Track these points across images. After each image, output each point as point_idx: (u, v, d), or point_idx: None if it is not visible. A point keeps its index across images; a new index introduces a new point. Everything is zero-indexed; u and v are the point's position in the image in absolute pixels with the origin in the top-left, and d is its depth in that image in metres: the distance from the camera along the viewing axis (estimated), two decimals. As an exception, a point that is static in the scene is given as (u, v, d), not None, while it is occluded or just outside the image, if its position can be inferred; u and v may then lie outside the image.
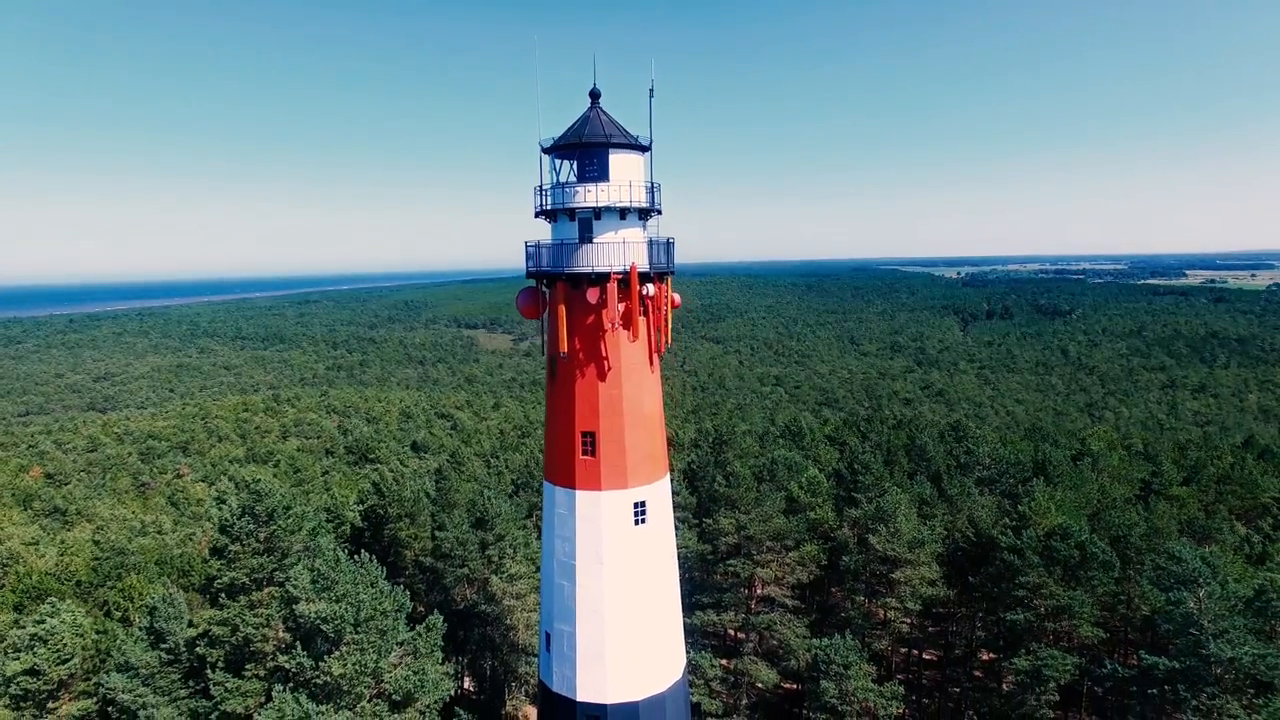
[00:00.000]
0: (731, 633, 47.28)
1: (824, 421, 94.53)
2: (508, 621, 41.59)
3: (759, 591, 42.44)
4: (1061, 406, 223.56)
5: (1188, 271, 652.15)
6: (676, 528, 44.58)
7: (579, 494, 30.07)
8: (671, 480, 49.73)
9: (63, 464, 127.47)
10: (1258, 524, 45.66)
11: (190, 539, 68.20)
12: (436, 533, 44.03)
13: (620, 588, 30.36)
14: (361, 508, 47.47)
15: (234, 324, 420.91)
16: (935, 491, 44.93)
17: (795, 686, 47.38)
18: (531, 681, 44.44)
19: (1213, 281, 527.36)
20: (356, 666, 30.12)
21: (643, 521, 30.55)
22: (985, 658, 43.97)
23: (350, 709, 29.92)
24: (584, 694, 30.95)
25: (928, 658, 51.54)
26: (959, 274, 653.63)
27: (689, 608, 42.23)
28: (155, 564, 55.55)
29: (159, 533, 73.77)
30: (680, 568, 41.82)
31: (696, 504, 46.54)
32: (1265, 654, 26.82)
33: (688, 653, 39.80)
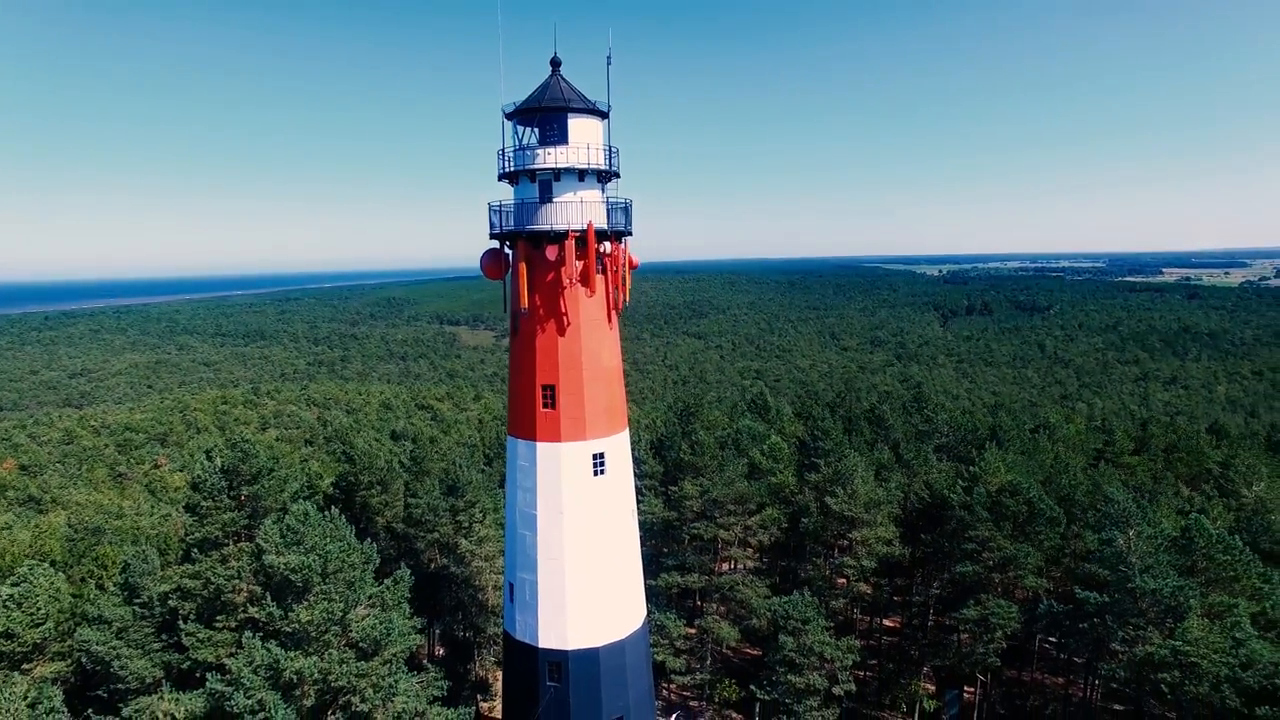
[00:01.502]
0: (697, 602, 48.54)
1: (794, 399, 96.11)
2: (476, 583, 42.64)
3: (722, 553, 43.74)
4: (1036, 399, 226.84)
5: (1164, 269, 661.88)
6: (643, 495, 45.91)
7: (539, 445, 31.20)
8: (639, 450, 51.03)
9: (37, 455, 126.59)
10: (1201, 487, 47.51)
11: (166, 519, 68.51)
12: (409, 500, 44.99)
13: (580, 537, 31.49)
14: (334, 476, 48.44)
15: (214, 321, 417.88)
16: (894, 457, 46.43)
17: (758, 652, 48.74)
18: (500, 645, 45.47)
19: (1188, 279, 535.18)
20: (324, 614, 31.09)
21: (602, 473, 31.70)
22: (936, 620, 45.53)
23: (318, 656, 30.90)
24: (546, 641, 32.10)
25: (889, 624, 53.05)
26: (940, 271, 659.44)
27: (654, 571, 43.46)
28: (131, 542, 56.05)
29: (136, 515, 73.96)
30: (646, 533, 43.07)
31: (663, 472, 47.79)
32: (1183, 585, 28.39)
33: (651, 611, 41.10)
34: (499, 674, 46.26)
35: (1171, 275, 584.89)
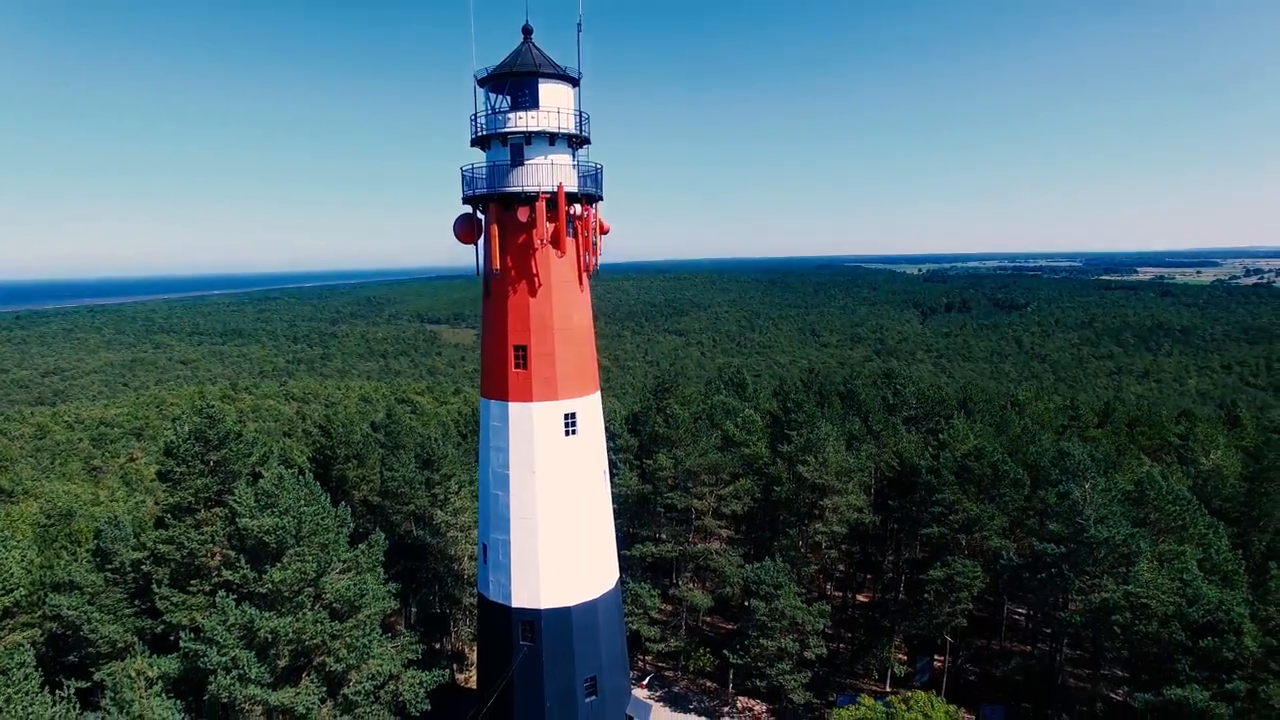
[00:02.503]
0: (673, 579, 49.04)
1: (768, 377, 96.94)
2: (452, 553, 42.91)
3: (695, 523, 44.30)
4: (1013, 392, 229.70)
5: (1138, 268, 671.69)
6: (617, 468, 46.39)
7: (511, 405, 31.62)
8: (614, 424, 51.51)
9: (8, 450, 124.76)
10: (1163, 458, 48.73)
11: (141, 505, 68.12)
12: (385, 473, 45.16)
13: (552, 496, 31.93)
14: (310, 450, 48.50)
15: (190, 319, 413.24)
16: (864, 428, 47.21)
17: (732, 626, 49.36)
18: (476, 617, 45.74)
19: (1161, 278, 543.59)
20: (297, 574, 31.30)
21: (573, 433, 32.16)
22: (907, 591, 46.32)
23: (292, 616, 31.09)
24: (519, 600, 32.52)
25: (862, 599, 53.89)
26: (920, 271, 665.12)
27: (628, 542, 43.98)
28: (106, 522, 55.72)
29: (110, 501, 73.44)
30: (620, 506, 43.55)
31: (638, 446, 48.28)
32: (1134, 533, 29.32)
33: (625, 580, 41.56)
34: (475, 647, 46.57)
35: (1146, 274, 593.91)
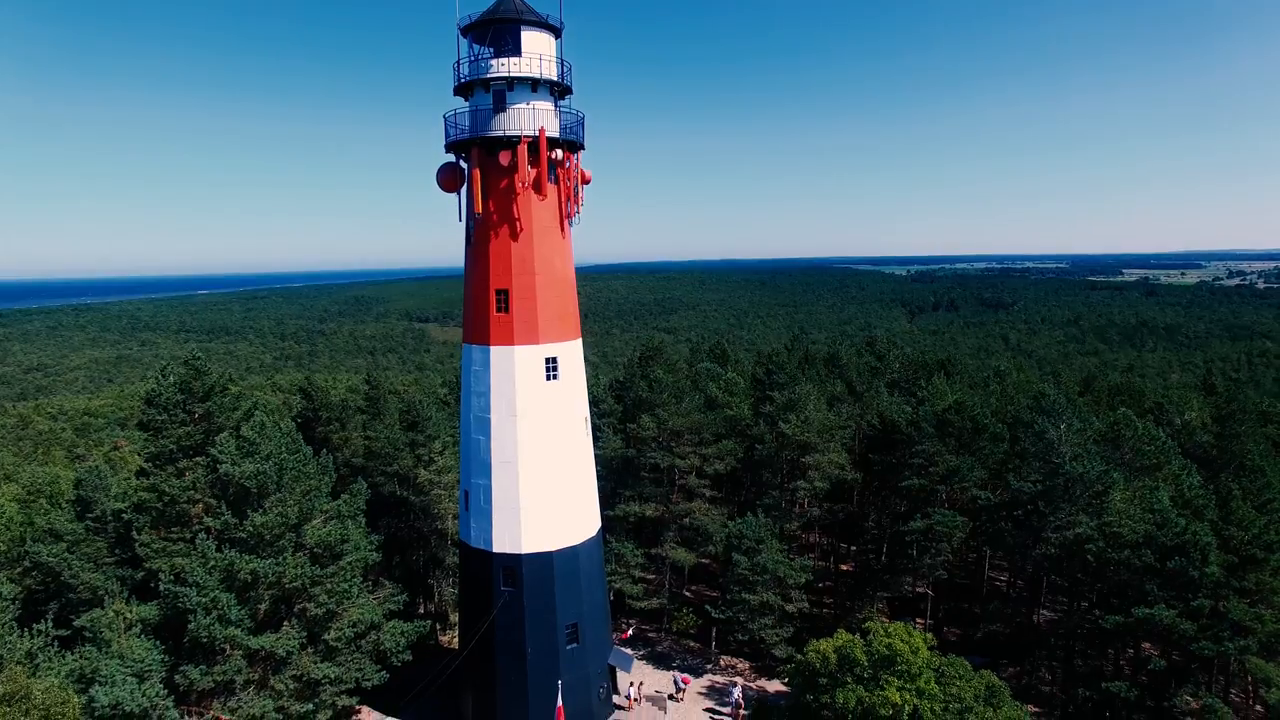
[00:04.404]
0: (659, 547, 49.10)
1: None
2: (435, 511, 42.95)
3: (679, 483, 44.51)
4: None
5: (1124, 270, 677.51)
6: (601, 432, 46.53)
7: (493, 349, 31.80)
8: (598, 390, 51.69)
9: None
10: (1142, 419, 49.21)
11: (125, 481, 67.68)
12: (367, 435, 45.17)
13: (533, 440, 32.09)
14: (292, 413, 48.37)
15: (177, 318, 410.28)
16: (847, 389, 47.53)
17: (715, 592, 49.52)
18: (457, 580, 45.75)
19: (1146, 279, 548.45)
20: (279, 518, 31.34)
21: (555, 378, 32.36)
22: (889, 554, 46.67)
23: (274, 559, 31.08)
24: (500, 545, 32.63)
25: (844, 569, 54.23)
26: (908, 271, 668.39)
27: (611, 502, 44.09)
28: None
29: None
30: (604, 468, 43.68)
31: (622, 411, 48.45)
32: (1108, 470, 29.77)
33: (608, 540, 41.73)
34: (458, 609, 46.57)
35: (1131, 275, 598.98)
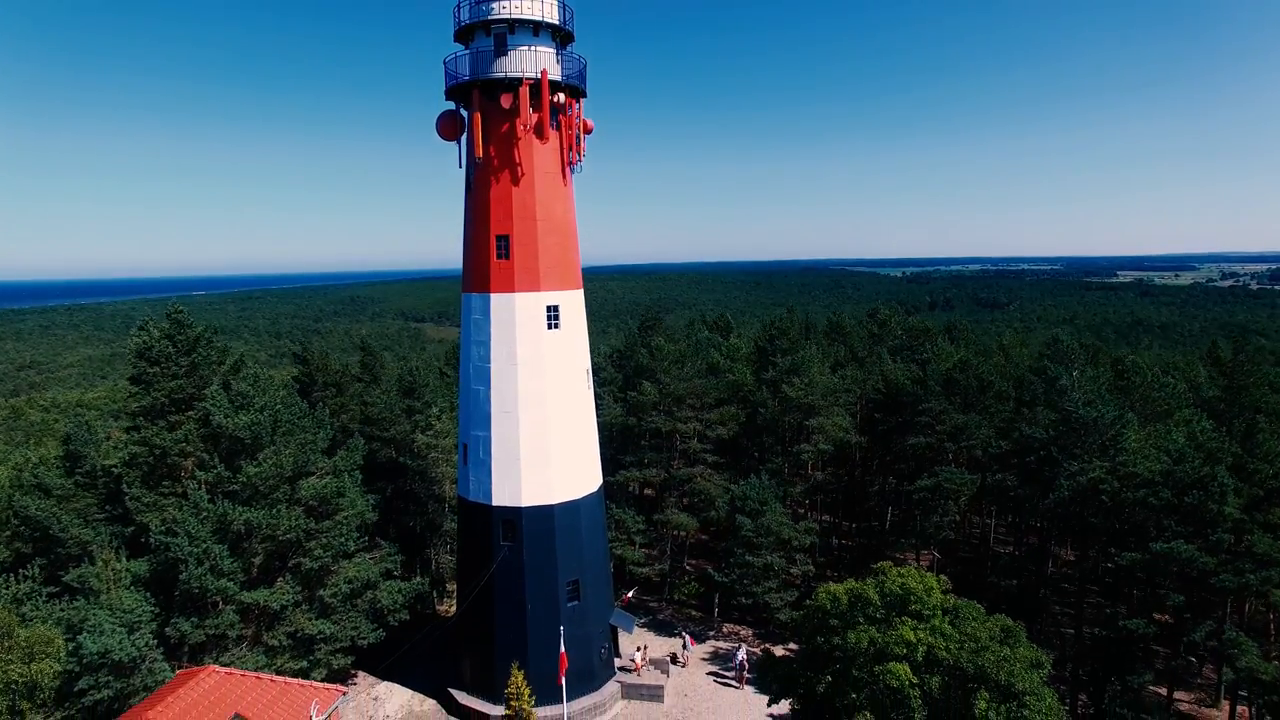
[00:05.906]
0: (663, 520, 48.51)
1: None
2: (433, 475, 42.23)
3: (681, 447, 43.86)
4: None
5: (1119, 271, 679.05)
6: (602, 398, 45.88)
7: (493, 297, 31.16)
8: (599, 357, 51.03)
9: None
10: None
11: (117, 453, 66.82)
12: (365, 401, 44.45)
13: (534, 389, 31.44)
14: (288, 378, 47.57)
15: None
16: (849, 354, 46.95)
17: (716, 566, 48.83)
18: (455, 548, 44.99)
19: (1141, 280, 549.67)
20: (273, 469, 30.62)
21: (556, 327, 31.74)
22: (893, 522, 46.12)
23: (268, 510, 30.34)
24: (499, 499, 31.93)
25: (846, 542, 53.64)
26: (904, 273, 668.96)
27: (613, 468, 43.42)
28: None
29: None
30: (606, 436, 43.01)
31: (623, 379, 47.82)
32: (1121, 414, 29.23)
33: (610, 507, 41.03)
34: (455, 577, 45.79)
35: (1126, 276, 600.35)
